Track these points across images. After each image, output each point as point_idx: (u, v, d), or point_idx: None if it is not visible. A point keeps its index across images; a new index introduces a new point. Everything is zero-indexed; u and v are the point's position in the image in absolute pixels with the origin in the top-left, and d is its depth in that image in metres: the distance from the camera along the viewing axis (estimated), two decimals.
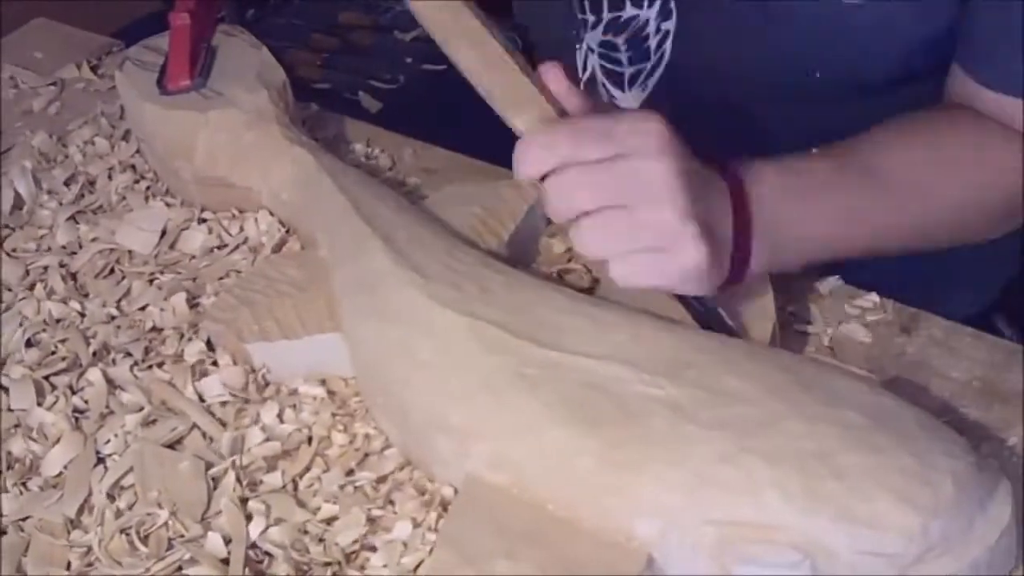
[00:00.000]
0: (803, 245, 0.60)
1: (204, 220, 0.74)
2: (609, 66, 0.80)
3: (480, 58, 0.56)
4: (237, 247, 0.72)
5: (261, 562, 0.55)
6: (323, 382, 0.62)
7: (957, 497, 0.46)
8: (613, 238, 0.54)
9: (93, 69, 0.92)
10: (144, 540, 0.56)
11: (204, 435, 0.61)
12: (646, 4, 0.75)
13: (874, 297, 0.66)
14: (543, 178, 0.54)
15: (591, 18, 0.79)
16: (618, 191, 0.53)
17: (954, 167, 0.64)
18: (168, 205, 0.76)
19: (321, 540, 0.55)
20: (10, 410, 0.63)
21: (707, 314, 0.57)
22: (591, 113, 0.56)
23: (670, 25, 0.75)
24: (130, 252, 0.73)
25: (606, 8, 0.77)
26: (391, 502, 0.56)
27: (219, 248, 0.73)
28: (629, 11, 0.76)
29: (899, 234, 0.64)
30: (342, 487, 0.57)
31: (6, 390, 0.64)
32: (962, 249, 0.68)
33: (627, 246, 0.54)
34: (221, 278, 0.70)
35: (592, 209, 0.53)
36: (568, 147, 0.53)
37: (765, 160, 0.59)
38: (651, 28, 0.76)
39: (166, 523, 0.56)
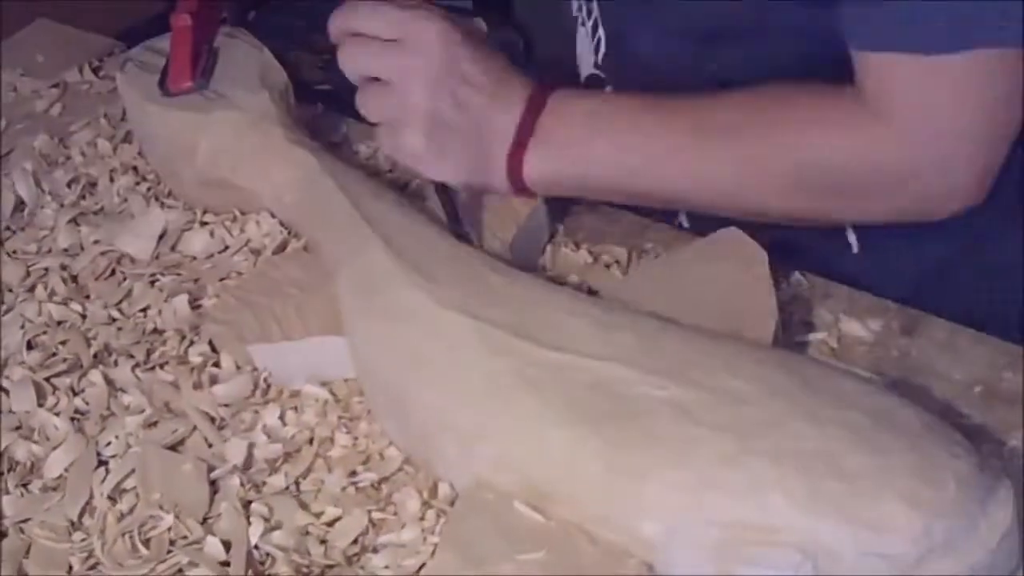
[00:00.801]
0: (591, 171, 0.64)
1: (206, 222, 0.74)
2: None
3: None
4: (239, 249, 0.72)
5: (263, 563, 0.55)
6: (325, 383, 0.62)
7: (960, 498, 0.46)
8: (373, 106, 0.65)
9: (95, 71, 0.92)
10: (146, 543, 0.56)
11: (205, 438, 0.61)
12: None
13: (876, 299, 0.66)
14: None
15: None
16: (387, 69, 0.64)
17: (770, 136, 0.61)
18: (170, 207, 0.76)
19: (323, 542, 0.55)
20: (11, 412, 0.63)
21: (451, 212, 0.66)
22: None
23: None
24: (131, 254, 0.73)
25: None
26: (393, 504, 0.56)
27: (221, 251, 0.73)
28: None
29: (696, 187, 0.64)
30: (344, 488, 0.57)
31: (7, 392, 0.64)
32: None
33: (379, 116, 0.65)
34: (223, 279, 0.70)
35: (368, 76, 0.65)
36: (357, 19, 0.65)
37: (588, 89, 0.67)
38: None
39: (168, 526, 0.56)
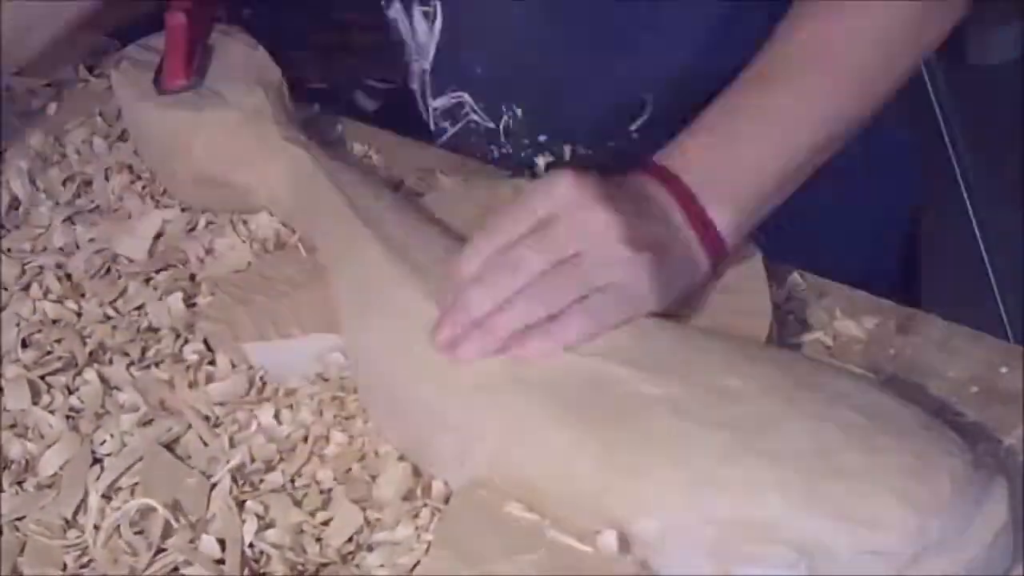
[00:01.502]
0: (760, 182, 0.61)
1: (201, 220, 0.74)
2: None
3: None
4: (234, 247, 0.72)
5: (258, 562, 0.54)
6: (321, 381, 0.62)
7: (955, 496, 0.46)
8: (566, 289, 0.55)
9: (90, 69, 0.92)
10: (140, 541, 0.55)
11: (200, 436, 0.61)
12: None
13: (872, 297, 0.66)
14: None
15: None
16: (564, 247, 0.55)
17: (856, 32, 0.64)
18: (165, 205, 0.76)
19: (318, 540, 0.55)
20: (6, 410, 0.63)
21: None
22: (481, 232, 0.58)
23: None
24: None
25: None
26: (388, 502, 0.56)
27: (216, 248, 0.73)
28: None
29: (834, 115, 0.64)
30: (339, 487, 0.57)
31: (1, 390, 0.64)
32: None
33: (582, 291, 0.55)
34: (218, 278, 0.70)
35: (545, 268, 0.55)
36: (500, 234, 0.57)
37: (675, 139, 0.61)
38: None
39: (163, 524, 0.56)
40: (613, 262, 0.55)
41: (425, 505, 0.55)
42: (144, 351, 0.66)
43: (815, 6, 0.65)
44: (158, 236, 0.74)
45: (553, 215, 0.56)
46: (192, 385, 0.63)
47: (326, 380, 0.62)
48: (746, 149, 0.61)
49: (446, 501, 0.55)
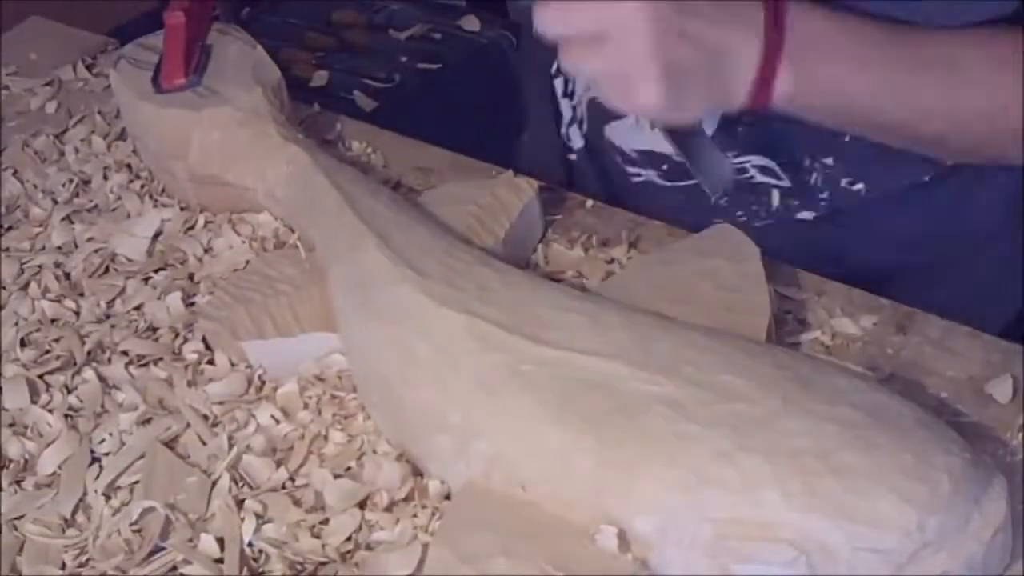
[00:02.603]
0: (831, 88, 0.62)
1: (199, 220, 0.74)
2: None
3: None
4: (233, 246, 0.72)
5: (257, 560, 0.54)
6: (319, 380, 0.62)
7: (953, 494, 0.46)
8: (583, 61, 0.60)
9: (88, 68, 0.92)
10: (139, 540, 0.55)
11: (199, 435, 0.61)
12: None
13: (870, 296, 0.66)
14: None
15: None
16: (600, 20, 0.58)
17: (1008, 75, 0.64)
18: (163, 204, 0.76)
19: (317, 538, 0.55)
20: (5, 409, 0.63)
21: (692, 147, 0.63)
22: None
23: None
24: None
25: None
26: (387, 501, 0.56)
27: (215, 247, 0.72)
28: None
29: (929, 119, 0.64)
30: (338, 486, 0.57)
31: (0, 389, 0.64)
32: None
33: (598, 71, 0.60)
34: (216, 277, 0.70)
35: (572, 35, 0.60)
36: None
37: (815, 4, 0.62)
38: None
39: (162, 523, 0.56)
40: (624, 60, 0.58)
41: (424, 505, 0.55)
42: (143, 350, 0.66)
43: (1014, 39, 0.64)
44: (157, 235, 0.74)
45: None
46: (191, 384, 0.63)
47: (324, 379, 0.62)
48: (851, 67, 0.62)
49: (444, 499, 0.55)
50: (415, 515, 0.55)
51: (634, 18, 0.57)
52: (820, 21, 0.61)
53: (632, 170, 0.80)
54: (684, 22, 0.58)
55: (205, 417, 0.61)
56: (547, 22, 0.60)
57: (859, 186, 0.75)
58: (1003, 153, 0.68)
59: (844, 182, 0.75)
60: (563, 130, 0.86)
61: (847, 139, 0.72)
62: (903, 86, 0.63)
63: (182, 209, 0.75)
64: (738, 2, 0.60)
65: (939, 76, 0.63)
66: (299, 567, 0.54)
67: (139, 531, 0.56)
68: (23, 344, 0.67)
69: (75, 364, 0.65)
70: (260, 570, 0.54)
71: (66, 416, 0.62)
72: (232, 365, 0.64)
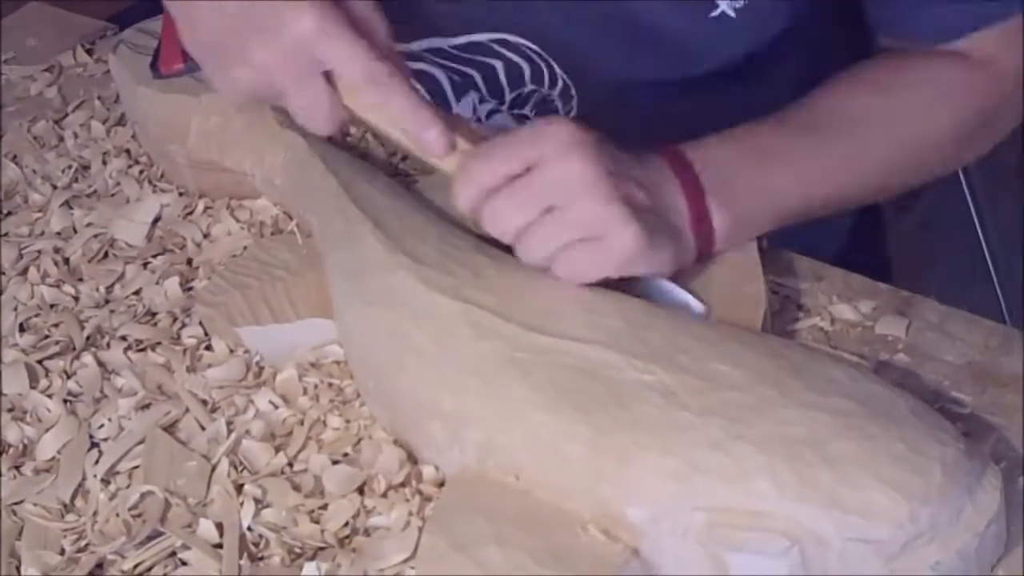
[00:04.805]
0: (765, 204, 0.62)
1: (198, 205, 0.74)
2: None
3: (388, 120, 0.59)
4: (231, 232, 0.72)
5: (256, 545, 0.55)
6: (316, 366, 0.62)
7: (946, 484, 0.46)
8: (547, 241, 0.56)
9: (88, 53, 0.92)
10: (138, 525, 0.56)
11: (198, 420, 0.61)
12: (547, 84, 0.77)
13: (869, 281, 0.65)
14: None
15: (491, 104, 0.80)
16: (540, 198, 0.56)
17: (902, 110, 0.67)
18: (162, 190, 0.76)
19: (316, 523, 0.55)
20: (4, 394, 0.63)
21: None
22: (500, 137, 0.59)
23: (572, 105, 0.78)
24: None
25: (507, 91, 0.79)
26: (384, 487, 0.56)
27: (213, 232, 0.73)
28: (529, 87, 0.78)
29: (857, 181, 0.66)
30: (336, 470, 0.57)
31: None
32: None
33: (561, 243, 0.56)
34: (215, 262, 0.70)
35: (524, 223, 0.56)
36: (484, 175, 0.57)
37: (704, 137, 0.62)
38: (558, 104, 0.78)
39: (161, 508, 0.56)
40: (590, 215, 0.55)
41: (418, 491, 0.55)
42: (141, 335, 0.66)
43: (877, 70, 0.68)
44: (156, 220, 0.74)
45: (539, 159, 0.56)
46: (190, 369, 0.63)
47: (322, 365, 0.62)
48: (764, 175, 0.62)
49: (439, 487, 0.55)
50: (408, 501, 0.55)
51: (580, 176, 0.55)
52: (717, 150, 0.62)
53: None
54: (621, 169, 0.57)
55: (204, 402, 0.62)
56: (497, 220, 0.57)
57: None
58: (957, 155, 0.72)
59: None
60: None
61: None
62: (826, 164, 0.64)
63: (181, 194, 0.75)
64: (645, 156, 0.60)
65: (844, 132, 0.65)
66: (298, 551, 0.54)
67: (138, 516, 0.56)
68: (22, 329, 0.67)
69: (74, 349, 0.65)
70: (259, 555, 0.54)
71: (65, 401, 0.63)
72: (231, 351, 0.64)
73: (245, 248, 0.70)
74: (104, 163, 0.79)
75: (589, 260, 0.56)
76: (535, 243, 0.56)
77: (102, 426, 0.61)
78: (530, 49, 0.76)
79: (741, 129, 0.63)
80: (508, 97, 0.79)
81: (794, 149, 0.64)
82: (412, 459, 0.57)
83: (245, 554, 0.54)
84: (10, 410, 0.63)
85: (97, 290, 0.69)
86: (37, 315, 0.68)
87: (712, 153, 0.61)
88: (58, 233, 0.74)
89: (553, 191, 0.56)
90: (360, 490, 0.56)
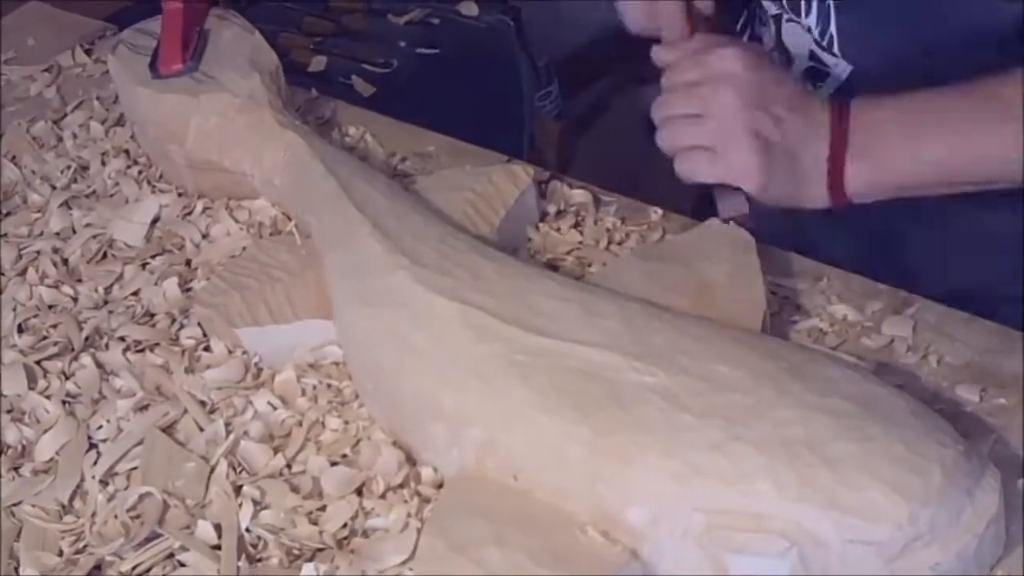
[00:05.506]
0: (914, 168, 0.64)
1: (197, 206, 0.74)
2: None
3: None
4: (230, 232, 0.72)
5: (255, 546, 0.55)
6: (315, 367, 0.62)
7: (945, 486, 0.46)
8: (682, 137, 0.65)
9: (87, 53, 0.92)
10: (137, 526, 0.56)
11: (196, 421, 0.61)
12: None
13: (868, 281, 0.65)
14: None
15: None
16: (692, 106, 0.65)
17: None
18: (161, 190, 0.76)
19: (314, 524, 0.55)
20: (3, 395, 0.63)
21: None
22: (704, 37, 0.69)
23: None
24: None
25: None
26: (383, 488, 0.56)
27: (212, 233, 0.72)
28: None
29: (1011, 167, 0.65)
30: (335, 472, 0.57)
31: None
32: None
33: (688, 144, 0.65)
34: (213, 263, 0.70)
35: (670, 115, 0.66)
36: (672, 75, 0.67)
37: (884, 96, 0.65)
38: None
39: (159, 509, 0.56)
40: (721, 135, 0.63)
41: (417, 493, 0.55)
42: (140, 336, 0.66)
43: None
44: (154, 221, 0.74)
45: (706, 78, 0.64)
46: (188, 370, 0.63)
47: (321, 366, 0.62)
48: (917, 145, 0.64)
49: (438, 488, 0.55)
50: (405, 501, 0.55)
51: (727, 103, 0.63)
52: (878, 111, 0.64)
53: None
54: (768, 103, 0.63)
55: (203, 403, 0.62)
56: (659, 104, 0.66)
57: None
58: None
59: None
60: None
61: None
62: (972, 144, 0.64)
63: (180, 195, 0.75)
64: (811, 97, 0.65)
65: (997, 115, 0.64)
66: (296, 552, 0.54)
67: (137, 517, 0.56)
68: (21, 330, 0.67)
69: (73, 350, 0.65)
70: (257, 556, 0.54)
71: (64, 402, 0.63)
72: (230, 352, 0.64)
73: (244, 249, 0.70)
74: (103, 163, 0.79)
75: (705, 166, 0.64)
76: (670, 134, 0.65)
77: (100, 427, 0.61)
78: None
79: (923, 95, 0.64)
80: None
81: (965, 118, 0.64)
82: (411, 460, 0.57)
83: (243, 555, 0.54)
84: (9, 411, 0.63)
85: (96, 291, 0.69)
86: (36, 316, 0.68)
87: (875, 115, 0.64)
88: (57, 233, 0.74)
89: (703, 104, 0.64)
90: (359, 491, 0.56)
